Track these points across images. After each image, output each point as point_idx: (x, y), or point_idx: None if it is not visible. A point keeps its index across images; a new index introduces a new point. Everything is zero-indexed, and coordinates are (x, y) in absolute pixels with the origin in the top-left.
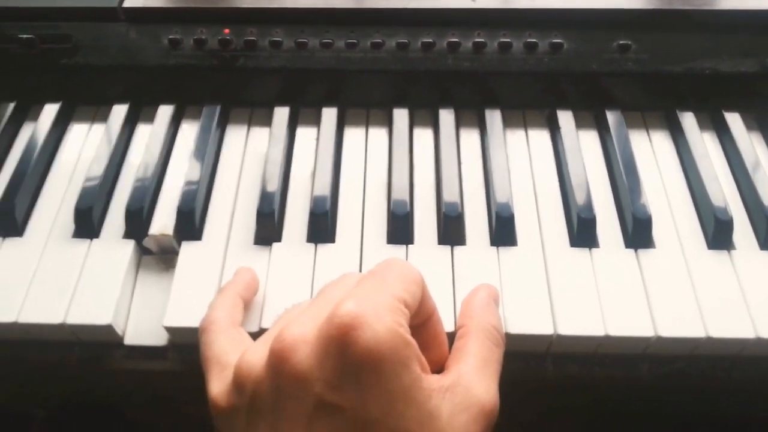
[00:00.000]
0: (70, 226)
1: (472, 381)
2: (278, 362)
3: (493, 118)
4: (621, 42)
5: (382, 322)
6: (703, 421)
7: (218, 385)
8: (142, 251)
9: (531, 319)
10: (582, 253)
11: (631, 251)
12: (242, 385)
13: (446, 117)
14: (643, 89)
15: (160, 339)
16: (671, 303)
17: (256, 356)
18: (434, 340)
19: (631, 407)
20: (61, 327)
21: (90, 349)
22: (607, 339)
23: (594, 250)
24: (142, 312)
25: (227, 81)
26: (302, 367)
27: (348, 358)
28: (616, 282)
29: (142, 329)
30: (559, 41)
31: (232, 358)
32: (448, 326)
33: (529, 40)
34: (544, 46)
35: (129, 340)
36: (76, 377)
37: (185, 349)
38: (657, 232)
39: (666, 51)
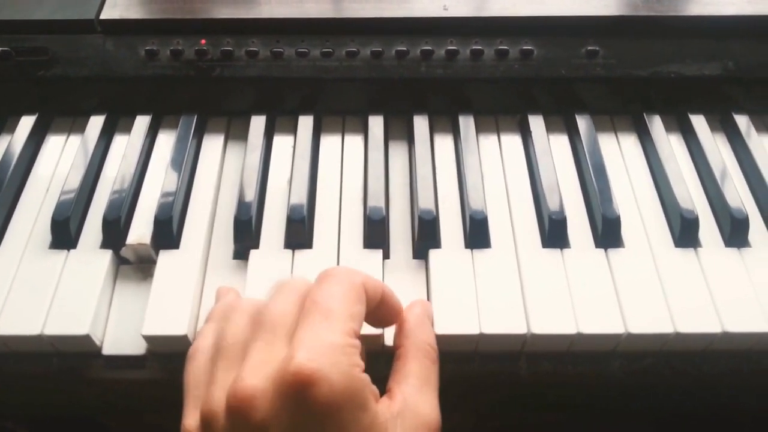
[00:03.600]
0: (47, 237)
1: (417, 402)
2: (237, 418)
3: (467, 123)
4: (589, 48)
5: (336, 370)
6: (674, 415)
7: (192, 419)
8: (120, 261)
9: (505, 319)
10: (554, 253)
11: (601, 251)
12: (209, 428)
13: (420, 123)
14: (612, 93)
15: (138, 348)
16: (640, 300)
17: (219, 405)
18: (390, 311)
19: (603, 403)
20: (39, 338)
21: (68, 360)
22: (580, 337)
23: (565, 250)
24: (121, 321)
25: (204, 91)
26: (262, 424)
27: (307, 415)
28: (587, 281)
29: (121, 339)
30: (530, 48)
31: None
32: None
33: (500, 47)
34: (515, 53)
35: (107, 349)
36: (55, 389)
37: (164, 357)
38: (626, 231)
39: (633, 56)
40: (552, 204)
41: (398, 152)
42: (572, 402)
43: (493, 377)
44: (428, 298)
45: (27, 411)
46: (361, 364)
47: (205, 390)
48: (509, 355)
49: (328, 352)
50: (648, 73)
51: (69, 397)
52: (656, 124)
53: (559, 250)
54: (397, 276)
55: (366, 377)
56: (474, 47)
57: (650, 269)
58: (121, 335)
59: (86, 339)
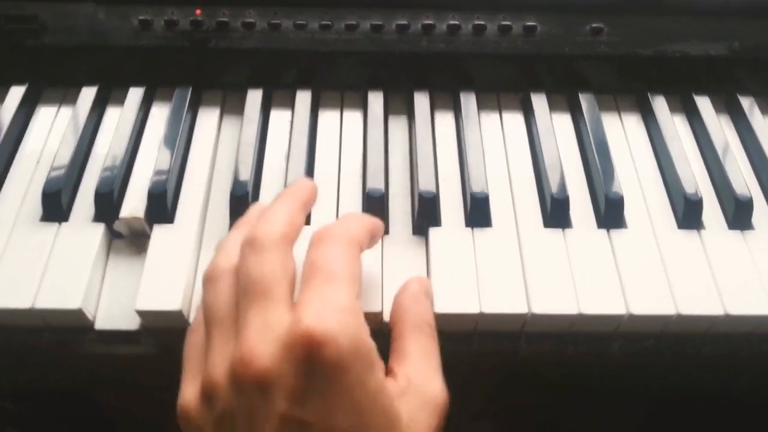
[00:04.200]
0: (38, 210)
1: (421, 381)
2: (243, 385)
3: (468, 100)
4: (593, 25)
5: (344, 331)
6: (673, 397)
7: (191, 392)
8: (113, 235)
9: (506, 299)
10: (555, 233)
11: (603, 231)
12: (211, 399)
13: (421, 100)
14: (615, 72)
15: (131, 323)
16: (642, 281)
17: (220, 374)
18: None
19: (603, 384)
20: (30, 312)
21: (60, 334)
22: (581, 317)
23: (567, 230)
24: (114, 296)
25: (199, 63)
26: (269, 389)
27: (315, 376)
28: (588, 262)
29: (114, 313)
30: (533, 24)
31: None
32: None
33: (503, 23)
34: (518, 29)
35: (100, 324)
36: (46, 363)
37: (158, 333)
38: (628, 212)
39: (637, 34)
40: (554, 183)
41: (398, 129)
42: (571, 382)
43: (492, 357)
44: (428, 276)
45: (16, 386)
46: (368, 327)
47: (204, 361)
48: (509, 335)
49: (336, 313)
50: (652, 52)
51: (60, 372)
52: (660, 104)
53: (560, 230)
54: (397, 252)
55: (373, 343)
56: (476, 22)
57: (653, 251)
58: (114, 310)
59: (78, 313)
